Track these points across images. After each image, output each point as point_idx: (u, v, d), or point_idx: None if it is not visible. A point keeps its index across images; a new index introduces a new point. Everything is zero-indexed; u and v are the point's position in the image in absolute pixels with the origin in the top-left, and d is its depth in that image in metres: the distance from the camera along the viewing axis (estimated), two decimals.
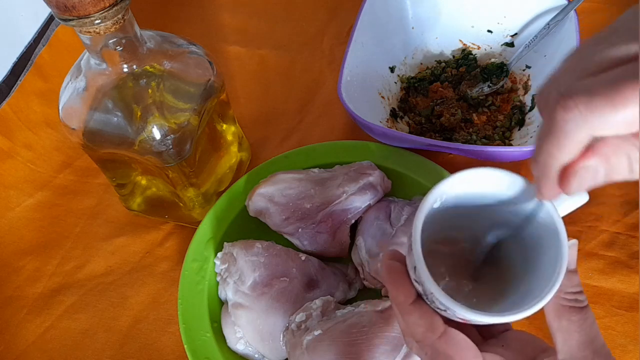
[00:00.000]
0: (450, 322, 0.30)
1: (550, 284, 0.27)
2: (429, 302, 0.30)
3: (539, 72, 0.62)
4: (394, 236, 0.49)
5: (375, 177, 0.53)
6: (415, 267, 0.29)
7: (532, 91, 0.62)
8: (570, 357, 0.28)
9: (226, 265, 0.50)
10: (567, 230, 0.29)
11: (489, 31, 0.67)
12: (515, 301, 0.29)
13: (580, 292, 0.29)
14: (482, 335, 0.33)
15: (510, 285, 0.32)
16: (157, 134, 0.47)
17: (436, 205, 0.30)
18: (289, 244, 0.52)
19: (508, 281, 0.33)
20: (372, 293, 0.50)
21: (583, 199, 0.31)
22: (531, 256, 0.31)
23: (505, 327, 0.33)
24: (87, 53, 0.46)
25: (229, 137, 0.59)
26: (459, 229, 0.34)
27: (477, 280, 0.34)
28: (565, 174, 0.25)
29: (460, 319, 0.29)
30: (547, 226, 0.29)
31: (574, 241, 0.29)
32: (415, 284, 0.30)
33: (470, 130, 0.62)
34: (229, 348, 0.48)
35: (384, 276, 0.32)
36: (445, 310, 0.29)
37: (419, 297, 0.30)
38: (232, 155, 0.59)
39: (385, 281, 0.31)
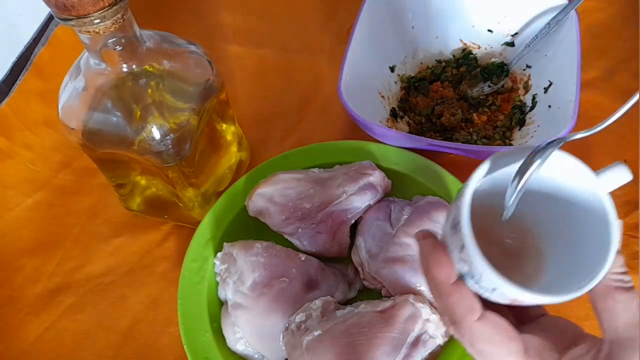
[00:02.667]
0: (487, 305, 0.30)
1: (601, 263, 0.27)
2: (470, 284, 0.29)
3: (540, 72, 0.62)
4: (394, 236, 0.49)
5: (375, 177, 0.53)
6: (462, 246, 0.28)
7: (532, 91, 0.62)
8: (616, 338, 0.28)
9: (226, 265, 0.50)
10: None
11: (489, 31, 0.67)
12: (558, 281, 0.29)
13: (625, 273, 0.29)
14: (518, 320, 0.33)
15: (544, 264, 0.32)
16: (156, 134, 0.47)
17: (479, 184, 0.30)
18: (289, 244, 0.52)
19: (540, 259, 0.32)
20: (372, 293, 0.50)
21: (627, 177, 0.30)
22: (572, 234, 0.31)
23: (542, 312, 0.33)
24: (87, 53, 0.45)
25: (229, 137, 0.59)
26: (494, 208, 0.33)
27: (507, 258, 0.33)
28: None
29: (510, 299, 0.28)
30: (593, 205, 0.29)
31: (620, 221, 0.29)
32: (459, 265, 0.29)
33: (471, 130, 0.62)
34: (228, 348, 0.48)
35: (424, 254, 0.31)
36: (493, 290, 0.28)
37: (459, 279, 0.30)
38: (232, 155, 0.59)
39: (426, 259, 0.31)
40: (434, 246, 0.31)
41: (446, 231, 0.31)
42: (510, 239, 0.34)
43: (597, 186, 0.29)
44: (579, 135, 0.29)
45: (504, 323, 0.29)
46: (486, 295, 0.29)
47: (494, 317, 0.29)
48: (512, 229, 0.34)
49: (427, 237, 0.32)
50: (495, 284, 0.27)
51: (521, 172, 0.29)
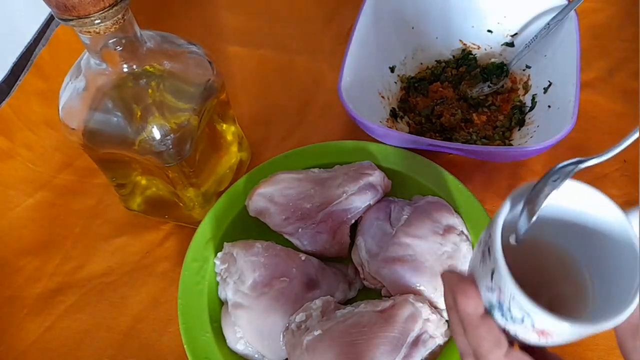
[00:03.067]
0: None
1: (630, 297, 0.27)
2: (498, 317, 0.29)
3: (539, 72, 0.62)
4: (394, 236, 0.49)
5: (375, 177, 0.53)
6: (493, 271, 0.28)
7: (532, 91, 0.62)
8: None
9: (226, 265, 0.50)
10: None
11: (489, 31, 0.67)
12: (586, 313, 0.28)
13: None
14: None
15: (570, 296, 0.32)
16: (157, 134, 0.47)
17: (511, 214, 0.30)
18: (289, 244, 0.52)
19: (563, 292, 0.32)
20: (372, 293, 0.50)
21: None
22: (598, 268, 0.31)
23: (543, 350, 0.33)
24: (87, 53, 0.46)
25: (229, 137, 0.59)
26: (540, 237, 0.33)
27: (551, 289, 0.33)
28: None
29: (538, 330, 0.28)
30: (621, 240, 0.29)
31: None
32: (487, 295, 0.29)
33: (470, 130, 0.62)
34: (229, 348, 0.48)
35: (450, 286, 0.31)
36: (522, 321, 0.28)
37: (486, 311, 0.30)
38: (232, 155, 0.59)
39: (453, 291, 0.30)
40: (460, 279, 0.31)
41: (475, 261, 0.31)
42: (550, 273, 0.34)
43: (626, 222, 0.29)
44: (593, 161, 0.29)
45: (531, 358, 0.29)
46: (514, 330, 0.29)
47: (519, 353, 0.29)
48: (554, 264, 0.34)
49: (453, 273, 0.31)
50: (525, 310, 0.27)
51: (532, 197, 0.29)
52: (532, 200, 0.29)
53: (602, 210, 0.30)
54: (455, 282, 0.30)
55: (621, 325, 0.28)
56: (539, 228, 0.32)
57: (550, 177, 0.29)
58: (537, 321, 0.27)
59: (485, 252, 0.29)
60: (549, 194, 0.29)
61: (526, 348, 0.31)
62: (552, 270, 0.34)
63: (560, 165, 0.29)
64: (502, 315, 0.29)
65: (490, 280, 0.28)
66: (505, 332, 0.29)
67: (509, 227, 0.29)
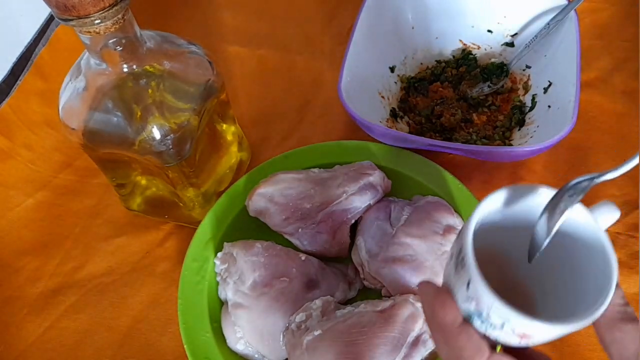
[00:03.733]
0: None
1: (603, 294, 0.28)
2: (477, 324, 0.29)
3: (539, 72, 0.62)
4: (394, 236, 0.49)
5: (375, 177, 0.53)
6: (469, 281, 0.28)
7: (532, 91, 0.62)
8: None
9: (226, 265, 0.50)
10: None
11: (489, 31, 0.67)
12: (558, 312, 0.29)
13: (627, 304, 0.30)
14: None
15: (540, 303, 0.33)
16: (157, 134, 0.47)
17: (484, 218, 0.30)
18: (289, 244, 0.52)
19: (532, 296, 0.33)
20: (372, 293, 0.50)
21: (616, 214, 0.31)
22: (566, 271, 0.31)
23: (545, 359, 0.34)
24: (87, 53, 0.46)
25: (229, 137, 0.59)
26: (493, 245, 0.34)
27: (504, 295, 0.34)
28: None
29: (519, 334, 0.28)
30: (590, 240, 0.30)
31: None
32: (465, 305, 0.29)
33: (470, 130, 0.62)
34: (229, 348, 0.48)
35: (428, 298, 0.31)
36: (502, 326, 0.28)
37: (465, 321, 0.30)
38: (232, 155, 0.59)
39: (431, 303, 0.31)
40: (437, 290, 0.31)
41: (449, 272, 0.31)
42: (511, 278, 0.35)
43: (592, 222, 0.30)
44: (608, 176, 0.29)
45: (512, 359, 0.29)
46: (494, 335, 0.29)
47: (502, 357, 0.29)
48: (513, 267, 0.35)
49: (428, 284, 0.32)
50: (505, 317, 0.27)
51: (551, 209, 0.29)
52: (549, 217, 0.30)
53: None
54: (432, 293, 0.31)
55: (599, 319, 0.28)
56: (497, 235, 0.32)
57: (565, 192, 0.29)
58: (517, 326, 0.27)
59: (458, 264, 0.29)
60: (565, 210, 0.29)
61: (510, 349, 0.31)
62: (500, 271, 0.34)
63: (575, 181, 0.30)
64: (482, 322, 0.29)
65: (466, 291, 0.29)
66: (486, 337, 0.30)
67: (478, 238, 0.30)
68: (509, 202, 0.31)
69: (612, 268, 0.28)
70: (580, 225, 0.30)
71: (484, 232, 0.31)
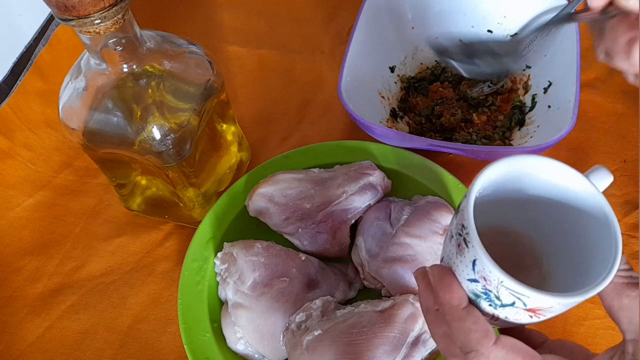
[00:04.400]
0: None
1: (612, 257, 0.27)
2: (484, 306, 0.29)
3: (539, 72, 0.62)
4: (394, 236, 0.49)
5: (375, 177, 0.53)
6: (474, 262, 0.27)
7: (532, 91, 0.62)
8: (638, 334, 0.28)
9: (226, 265, 0.50)
10: None
11: (489, 31, 0.67)
12: (568, 284, 0.28)
13: (631, 269, 0.29)
14: None
15: (547, 275, 0.32)
16: (157, 134, 0.47)
17: (479, 194, 0.30)
18: (289, 244, 0.52)
19: (543, 270, 0.33)
20: (372, 293, 0.50)
21: (610, 178, 0.31)
22: (571, 241, 0.31)
23: (543, 338, 0.33)
24: (87, 53, 0.46)
25: (229, 137, 0.59)
26: (497, 221, 0.33)
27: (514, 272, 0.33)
28: None
29: (530, 309, 0.28)
30: (591, 207, 0.29)
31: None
32: (470, 286, 0.29)
33: (470, 130, 0.62)
34: (229, 348, 0.48)
35: (434, 280, 0.30)
36: (513, 304, 0.27)
37: (470, 304, 0.29)
38: (232, 155, 0.59)
39: (436, 284, 0.30)
40: (441, 270, 0.30)
41: (450, 252, 0.30)
42: (509, 254, 0.34)
43: (592, 189, 0.29)
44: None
45: (520, 343, 0.29)
46: (504, 314, 0.29)
47: (509, 339, 0.29)
48: (510, 243, 0.34)
49: (428, 269, 0.31)
50: (516, 294, 0.27)
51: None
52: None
53: (563, 180, 0.30)
54: (440, 274, 0.30)
55: (604, 288, 0.28)
56: (496, 212, 0.32)
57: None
58: (529, 302, 0.27)
59: (461, 243, 0.29)
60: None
61: (508, 331, 0.31)
62: (507, 248, 0.34)
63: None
64: (490, 303, 0.28)
65: (472, 271, 0.28)
66: (494, 318, 0.29)
67: (477, 215, 0.29)
68: (504, 176, 0.30)
69: (615, 234, 0.28)
70: (580, 193, 0.30)
71: (482, 209, 0.30)
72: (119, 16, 0.42)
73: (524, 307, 0.28)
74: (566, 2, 0.61)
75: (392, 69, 0.66)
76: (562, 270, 0.31)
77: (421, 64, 0.68)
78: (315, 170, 0.55)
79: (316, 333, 0.44)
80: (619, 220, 0.32)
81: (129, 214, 0.60)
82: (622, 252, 0.29)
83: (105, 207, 0.61)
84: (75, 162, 0.65)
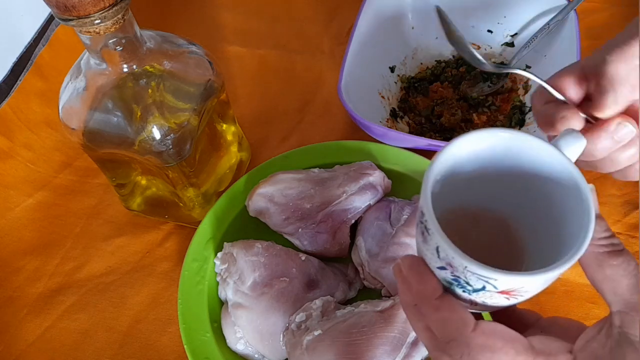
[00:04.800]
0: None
1: (584, 228, 0.26)
2: (459, 292, 0.28)
3: (539, 72, 0.62)
4: (394, 236, 0.49)
5: (375, 177, 0.53)
6: (437, 250, 0.26)
7: (532, 91, 0.62)
8: (624, 305, 0.26)
9: (226, 265, 0.50)
10: None
11: (489, 31, 0.67)
12: (547, 260, 0.27)
13: (613, 236, 0.28)
14: (516, 329, 0.30)
15: (526, 252, 0.31)
16: (157, 134, 0.47)
17: (441, 175, 0.29)
18: (289, 244, 0.52)
19: (522, 249, 0.31)
20: (372, 293, 0.50)
21: (582, 142, 0.29)
22: (548, 215, 0.30)
23: (536, 317, 0.32)
24: (87, 53, 0.46)
25: (229, 137, 0.59)
26: (472, 202, 0.32)
27: (487, 256, 0.31)
28: None
29: (502, 291, 0.26)
30: (563, 178, 0.28)
31: (591, 186, 0.28)
32: (441, 274, 0.28)
33: (470, 130, 0.62)
34: (229, 348, 0.48)
35: (405, 273, 0.29)
36: (483, 289, 0.26)
37: (445, 291, 0.28)
38: (232, 155, 0.59)
39: (407, 276, 0.29)
40: (411, 261, 0.29)
41: (419, 245, 0.29)
42: (486, 235, 0.33)
43: (560, 157, 0.28)
44: None
45: (500, 327, 0.28)
46: (481, 299, 0.28)
47: (488, 324, 0.28)
48: (486, 224, 0.33)
49: (400, 260, 0.30)
50: (483, 277, 0.26)
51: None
52: None
53: (531, 152, 0.29)
54: (409, 265, 0.29)
55: (585, 259, 0.27)
56: (470, 193, 0.31)
57: None
58: (499, 284, 0.26)
59: (424, 231, 0.27)
60: None
61: (499, 316, 0.31)
62: (483, 231, 0.33)
63: None
64: (463, 289, 0.27)
65: (438, 258, 0.27)
66: (473, 303, 0.28)
67: (437, 198, 0.28)
68: (470, 154, 0.29)
69: (587, 202, 0.27)
70: (552, 164, 0.29)
71: (457, 190, 0.29)
72: (119, 16, 0.42)
73: (495, 290, 0.27)
74: (566, 2, 0.61)
75: (392, 69, 0.66)
76: (544, 248, 0.30)
77: (421, 64, 0.68)
78: (315, 170, 0.55)
79: (316, 333, 0.44)
80: (619, 221, 0.32)
81: (129, 214, 0.60)
82: (602, 219, 0.27)
83: (105, 207, 0.61)
84: (75, 162, 0.65)
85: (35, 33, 0.73)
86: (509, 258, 0.32)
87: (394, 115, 0.63)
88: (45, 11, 0.74)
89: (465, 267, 0.26)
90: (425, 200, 0.27)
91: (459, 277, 0.27)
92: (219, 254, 0.51)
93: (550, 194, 0.29)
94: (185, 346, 0.47)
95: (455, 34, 0.34)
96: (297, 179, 0.53)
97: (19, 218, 0.61)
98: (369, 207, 0.52)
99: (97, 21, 0.41)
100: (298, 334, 0.45)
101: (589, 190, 0.27)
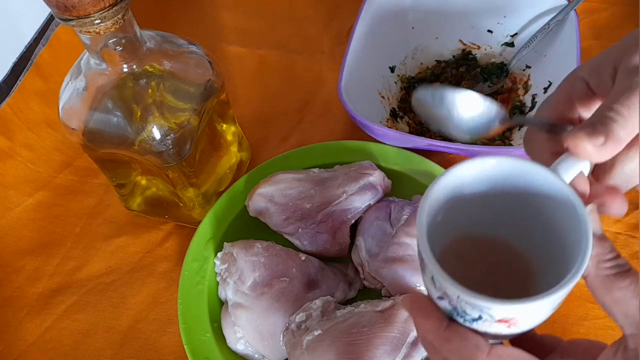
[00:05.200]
0: None
1: (582, 251, 0.26)
2: (461, 322, 0.27)
3: (539, 72, 0.62)
4: (394, 236, 0.49)
5: (375, 177, 0.53)
6: (432, 277, 0.26)
7: (532, 91, 0.62)
8: (637, 327, 0.26)
9: (226, 265, 0.50)
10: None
11: (489, 31, 0.67)
12: (549, 284, 0.27)
13: (618, 257, 0.27)
14: (536, 355, 0.29)
15: (533, 279, 0.31)
16: (157, 134, 0.47)
17: (440, 204, 0.29)
18: (289, 244, 0.52)
19: (529, 277, 0.31)
20: (372, 293, 0.50)
21: (586, 165, 0.29)
22: (556, 237, 0.29)
23: (557, 341, 0.32)
24: (87, 53, 0.46)
25: (229, 137, 0.59)
26: (471, 228, 0.32)
27: (495, 284, 0.31)
28: None
29: (499, 320, 0.26)
30: (559, 201, 0.28)
31: (592, 206, 0.27)
32: (441, 304, 0.28)
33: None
34: (229, 348, 0.48)
35: (409, 309, 0.29)
36: (480, 318, 0.26)
37: (451, 320, 0.28)
38: (232, 155, 0.59)
39: (412, 313, 0.29)
40: (412, 297, 0.29)
41: (422, 276, 0.29)
42: (494, 263, 0.33)
43: (557, 180, 0.28)
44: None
45: (517, 351, 0.27)
46: (482, 328, 0.27)
47: (504, 348, 0.27)
48: (494, 251, 0.33)
49: (407, 297, 0.30)
50: (476, 306, 0.26)
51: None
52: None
53: (529, 177, 0.29)
54: (411, 302, 0.29)
55: (593, 282, 0.27)
56: (470, 220, 0.31)
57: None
58: (494, 313, 0.26)
59: (421, 261, 0.28)
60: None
61: (517, 341, 0.30)
62: (491, 259, 0.33)
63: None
64: (463, 319, 0.27)
65: (434, 288, 0.27)
66: (479, 334, 0.28)
67: (439, 227, 0.28)
68: (467, 179, 0.29)
69: (585, 224, 0.26)
70: (548, 188, 0.28)
71: (458, 218, 0.29)
72: (119, 16, 0.42)
73: (493, 320, 0.26)
74: (566, 2, 0.61)
75: (392, 69, 0.66)
76: (554, 274, 0.30)
77: (421, 64, 0.68)
78: (315, 170, 0.55)
79: (316, 333, 0.44)
80: (619, 221, 0.32)
81: (129, 214, 0.60)
82: (606, 240, 0.27)
83: (105, 207, 0.61)
84: (75, 162, 0.65)
85: (35, 33, 0.73)
86: (520, 286, 0.31)
87: (394, 115, 0.63)
88: (45, 11, 0.74)
89: (459, 296, 0.26)
90: (419, 229, 0.27)
91: (456, 306, 0.27)
92: (219, 254, 0.51)
93: (553, 219, 0.29)
94: (185, 346, 0.47)
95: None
96: (297, 179, 0.53)
97: (18, 218, 0.61)
98: (369, 207, 0.52)
99: (97, 21, 0.41)
100: (298, 334, 0.45)
101: (585, 212, 0.27)
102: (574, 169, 0.29)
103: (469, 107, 0.34)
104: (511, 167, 0.29)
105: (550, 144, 0.31)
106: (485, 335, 0.28)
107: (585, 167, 0.29)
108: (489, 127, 0.34)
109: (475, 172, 0.29)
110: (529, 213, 0.30)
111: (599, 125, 0.26)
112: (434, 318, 0.28)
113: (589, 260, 0.26)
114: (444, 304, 0.28)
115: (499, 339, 0.29)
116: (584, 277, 0.27)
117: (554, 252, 0.30)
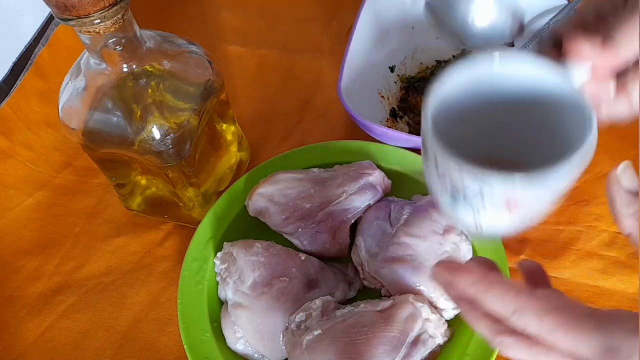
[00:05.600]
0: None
1: (587, 127, 0.26)
2: (462, 205, 0.27)
3: None
4: (394, 236, 0.49)
5: (375, 177, 0.53)
6: (436, 164, 0.26)
7: None
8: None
9: (226, 265, 0.50)
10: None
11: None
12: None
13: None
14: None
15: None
16: (157, 134, 0.47)
17: (447, 90, 0.28)
18: (289, 244, 0.52)
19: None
20: (372, 293, 0.50)
21: (585, 75, 0.29)
22: (558, 142, 0.29)
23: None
24: (87, 53, 0.46)
25: (229, 137, 0.59)
26: (476, 122, 0.32)
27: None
28: None
29: (504, 202, 0.26)
30: (569, 102, 0.28)
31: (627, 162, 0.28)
32: (444, 197, 0.27)
33: None
34: (229, 348, 0.48)
35: (448, 273, 0.29)
36: (482, 194, 0.26)
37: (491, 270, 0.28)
38: (232, 155, 0.59)
39: (452, 274, 0.29)
40: (446, 264, 0.30)
41: (427, 176, 0.29)
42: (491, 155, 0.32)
43: (564, 77, 0.28)
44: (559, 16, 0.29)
45: (555, 293, 0.28)
46: (482, 216, 0.27)
47: (543, 291, 0.27)
48: (490, 146, 0.32)
49: (440, 269, 0.30)
50: (479, 181, 0.25)
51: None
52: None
53: (542, 77, 0.29)
54: (442, 271, 0.30)
55: (616, 196, 0.27)
56: (472, 123, 0.31)
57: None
58: (497, 190, 0.25)
59: (425, 152, 0.27)
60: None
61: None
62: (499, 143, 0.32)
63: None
64: (466, 203, 0.27)
65: (438, 177, 0.27)
66: (477, 225, 0.28)
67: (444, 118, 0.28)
68: (472, 79, 0.29)
69: (589, 113, 0.26)
70: (557, 89, 0.28)
71: (453, 127, 0.29)
72: (119, 16, 0.42)
73: (493, 198, 0.26)
74: (566, 2, 0.61)
75: (392, 69, 0.66)
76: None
77: (421, 64, 0.68)
78: (315, 170, 0.55)
79: (316, 333, 0.44)
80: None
81: (129, 214, 0.60)
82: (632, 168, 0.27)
83: (105, 207, 0.61)
84: (75, 162, 0.65)
85: (35, 33, 0.73)
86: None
87: (394, 115, 0.63)
88: (45, 11, 0.74)
89: (462, 172, 0.25)
90: (425, 112, 0.27)
91: (458, 188, 0.26)
92: (219, 254, 0.51)
93: (560, 124, 0.29)
94: (185, 346, 0.47)
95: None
96: (297, 179, 0.53)
97: (19, 218, 0.61)
98: (369, 207, 0.52)
99: (97, 21, 0.41)
100: (298, 334, 0.45)
101: (594, 114, 0.27)
102: (574, 71, 0.29)
103: (483, 14, 0.34)
104: (518, 64, 0.29)
105: (559, 59, 0.31)
106: (483, 232, 0.28)
107: (585, 72, 0.29)
108: (502, 37, 0.34)
109: (471, 73, 0.30)
110: (538, 118, 0.30)
111: (598, 32, 0.28)
112: (474, 270, 0.28)
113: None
114: (446, 198, 0.27)
115: (504, 231, 0.29)
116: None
117: (554, 150, 0.30)
